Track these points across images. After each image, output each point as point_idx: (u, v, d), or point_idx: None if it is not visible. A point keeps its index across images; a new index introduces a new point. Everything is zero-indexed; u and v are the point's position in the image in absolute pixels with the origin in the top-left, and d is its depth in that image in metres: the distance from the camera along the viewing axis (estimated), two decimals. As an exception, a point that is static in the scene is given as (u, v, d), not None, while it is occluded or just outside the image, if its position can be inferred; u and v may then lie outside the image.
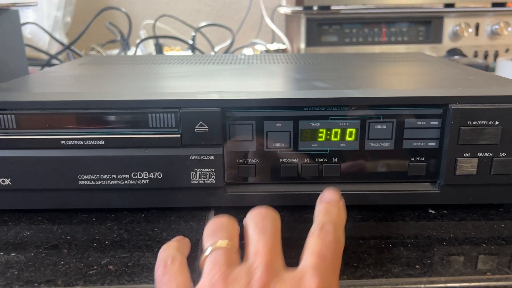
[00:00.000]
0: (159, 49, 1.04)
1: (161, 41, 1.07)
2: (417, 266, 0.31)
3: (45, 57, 1.01)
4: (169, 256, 0.29)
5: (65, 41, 1.10)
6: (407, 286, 0.29)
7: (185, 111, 0.35)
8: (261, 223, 0.29)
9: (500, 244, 0.34)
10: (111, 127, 0.36)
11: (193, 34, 1.09)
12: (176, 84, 0.42)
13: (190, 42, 1.05)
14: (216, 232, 0.29)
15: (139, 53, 1.05)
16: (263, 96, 0.36)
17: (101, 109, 0.35)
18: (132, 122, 0.36)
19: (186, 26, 1.18)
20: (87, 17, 1.29)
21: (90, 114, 0.35)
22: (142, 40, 0.99)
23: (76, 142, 0.36)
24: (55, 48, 1.09)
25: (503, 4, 0.97)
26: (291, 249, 0.29)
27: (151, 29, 1.14)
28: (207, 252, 0.28)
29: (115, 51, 1.10)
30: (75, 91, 0.39)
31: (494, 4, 0.98)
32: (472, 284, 0.30)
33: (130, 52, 1.08)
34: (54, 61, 0.97)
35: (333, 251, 0.27)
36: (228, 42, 1.14)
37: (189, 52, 1.09)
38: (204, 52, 1.06)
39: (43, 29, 0.95)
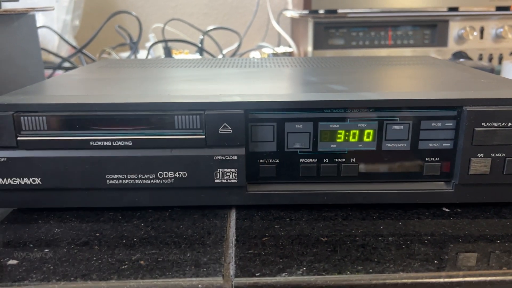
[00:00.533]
0: (168, 52, 1.06)
1: (169, 44, 1.09)
2: (435, 262, 0.32)
3: (55, 60, 1.03)
4: None
5: (74, 44, 1.11)
6: (427, 280, 0.31)
7: (210, 113, 0.37)
8: None
9: (514, 241, 0.35)
10: (138, 128, 0.37)
11: (201, 37, 1.11)
12: (198, 87, 0.44)
13: (199, 45, 1.07)
14: None
15: (148, 56, 1.07)
16: (284, 99, 0.37)
17: (128, 111, 0.37)
18: (159, 124, 0.37)
19: (193, 29, 1.19)
20: (95, 20, 1.31)
21: (118, 116, 0.37)
22: (154, 44, 1.01)
23: (105, 143, 0.37)
24: (63, 51, 1.11)
25: (507, 8, 0.99)
26: (310, 247, 0.30)
27: (160, 32, 1.16)
28: None
29: (123, 54, 1.12)
30: (102, 94, 0.40)
31: (498, 8, 0.99)
32: (489, 278, 0.31)
33: (139, 55, 1.09)
34: (65, 64, 0.98)
35: None
36: (235, 45, 1.15)
37: (197, 55, 1.10)
38: (212, 54, 1.08)
39: (56, 32, 0.96)
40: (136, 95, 0.39)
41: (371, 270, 0.31)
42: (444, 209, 0.40)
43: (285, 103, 0.37)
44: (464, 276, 0.31)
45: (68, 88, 0.45)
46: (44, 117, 0.37)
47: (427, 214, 0.39)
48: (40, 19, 1.12)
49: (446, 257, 0.33)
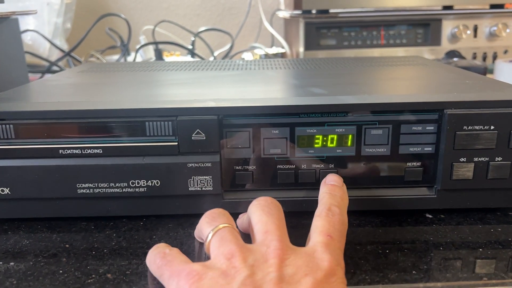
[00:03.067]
0: (158, 54, 1.05)
1: (160, 46, 1.08)
2: (413, 272, 0.31)
3: (45, 63, 1.02)
4: (164, 247, 0.30)
5: (66, 47, 1.10)
6: (403, 292, 0.30)
7: (182, 119, 0.36)
8: (267, 208, 0.31)
9: (497, 248, 0.34)
10: (109, 135, 0.36)
11: (193, 39, 1.10)
12: (173, 92, 0.43)
13: (189, 47, 1.05)
14: (213, 220, 0.31)
15: (139, 58, 1.06)
16: (260, 103, 0.36)
17: (98, 118, 0.36)
18: (130, 131, 0.36)
19: (185, 31, 1.18)
20: (87, 23, 1.29)
21: (88, 123, 0.36)
22: (141, 46, 1.00)
23: (75, 151, 0.36)
24: (55, 55, 1.10)
25: (501, 6, 0.97)
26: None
27: (151, 34, 1.15)
28: (209, 237, 0.29)
29: (115, 57, 1.11)
30: (74, 100, 0.39)
31: (492, 6, 0.98)
32: (469, 289, 0.30)
33: (130, 58, 1.08)
34: (54, 67, 0.97)
35: (339, 231, 0.30)
36: (227, 47, 1.14)
37: (189, 57, 1.09)
38: (203, 56, 1.07)
39: (44, 36, 0.95)
40: (108, 101, 0.38)
41: (346, 282, 0.30)
42: (427, 215, 0.39)
43: (260, 108, 0.36)
44: (442, 287, 0.30)
45: (41, 94, 0.44)
46: (11, 125, 0.36)
47: (409, 221, 0.38)
48: (31, 22, 1.11)
49: (425, 266, 0.32)
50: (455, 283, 0.30)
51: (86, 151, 0.36)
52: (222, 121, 0.37)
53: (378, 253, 0.34)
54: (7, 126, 0.36)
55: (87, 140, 0.36)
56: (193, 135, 0.36)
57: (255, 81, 0.49)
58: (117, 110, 0.36)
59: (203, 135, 0.36)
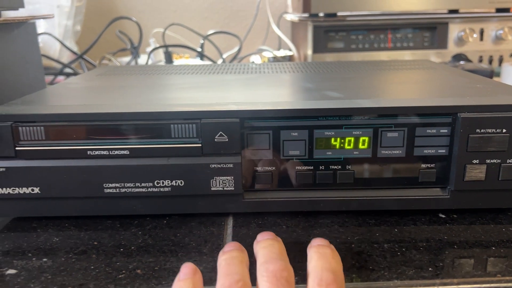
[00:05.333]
0: (168, 57, 1.06)
1: (170, 48, 1.09)
2: (430, 269, 0.33)
3: (56, 65, 1.04)
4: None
5: (76, 49, 1.12)
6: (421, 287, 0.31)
7: (206, 122, 0.37)
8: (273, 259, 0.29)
9: (509, 247, 0.35)
10: (135, 137, 0.37)
11: (202, 41, 1.11)
12: (195, 95, 0.44)
13: (199, 49, 1.07)
14: (229, 274, 0.28)
15: (149, 61, 1.07)
16: (280, 107, 0.38)
17: (125, 121, 0.37)
18: (155, 133, 0.37)
19: (194, 33, 1.20)
20: (96, 25, 1.31)
21: (115, 125, 0.37)
22: (154, 49, 1.01)
23: (102, 152, 0.38)
24: (65, 57, 1.12)
25: (507, 10, 0.99)
26: (306, 254, 0.30)
27: (160, 37, 1.16)
28: None
29: (124, 59, 1.12)
30: (99, 103, 0.41)
31: (498, 10, 0.99)
32: (483, 285, 0.31)
33: (140, 60, 1.10)
34: (65, 69, 0.99)
35: None
36: (235, 49, 1.16)
37: (198, 59, 1.11)
38: (212, 58, 1.08)
39: (57, 39, 0.97)
40: (133, 104, 0.40)
41: (366, 278, 0.32)
42: (440, 215, 0.41)
43: (280, 111, 0.38)
44: (458, 283, 0.31)
45: (66, 97, 0.45)
46: (42, 127, 0.37)
47: (423, 220, 0.40)
48: (42, 24, 1.13)
49: (441, 264, 0.33)
50: (470, 279, 0.31)
51: (114, 152, 0.38)
52: (244, 123, 0.38)
53: (394, 250, 0.35)
54: (38, 128, 0.37)
55: (114, 141, 0.37)
56: (216, 137, 0.37)
57: (270, 84, 0.50)
58: (143, 113, 0.37)
59: (226, 137, 0.37)
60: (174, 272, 0.32)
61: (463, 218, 0.40)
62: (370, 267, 0.33)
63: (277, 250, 0.30)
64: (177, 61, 1.09)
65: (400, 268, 0.33)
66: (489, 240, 0.37)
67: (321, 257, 0.29)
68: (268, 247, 0.31)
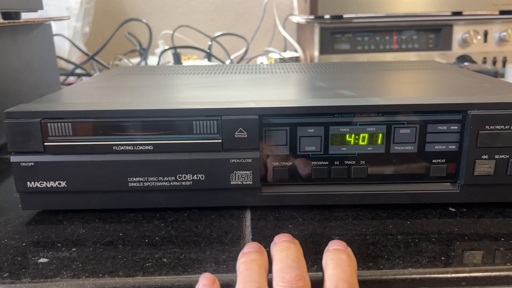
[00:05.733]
0: (177, 58, 1.08)
1: (178, 50, 1.11)
2: (442, 258, 0.34)
3: (66, 66, 1.06)
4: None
5: (86, 51, 1.14)
6: (434, 275, 0.33)
7: (226, 119, 0.39)
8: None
9: (517, 239, 0.37)
10: (159, 133, 0.39)
11: (210, 43, 1.13)
12: (213, 94, 0.46)
13: (208, 51, 1.09)
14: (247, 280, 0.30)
15: (159, 62, 1.09)
16: (297, 104, 0.39)
17: (149, 117, 0.39)
18: (178, 129, 0.39)
19: (200, 35, 1.22)
20: (104, 27, 1.33)
21: (140, 121, 0.39)
22: (164, 51, 1.03)
23: (127, 148, 0.39)
24: (74, 58, 1.14)
25: (510, 12, 1.00)
26: (322, 245, 0.32)
27: (169, 38, 1.18)
28: None
29: (133, 60, 1.14)
30: (123, 101, 0.42)
31: (502, 12, 1.01)
32: (494, 273, 0.33)
33: (149, 61, 1.12)
34: (77, 70, 1.00)
35: None
36: (242, 51, 1.18)
37: (206, 61, 1.12)
38: (221, 60, 1.10)
39: (70, 40, 0.99)
40: (156, 102, 0.41)
41: (381, 266, 0.33)
42: (450, 208, 0.42)
43: (298, 109, 0.39)
44: (470, 271, 0.33)
45: (89, 95, 0.47)
46: (69, 124, 0.39)
47: (434, 214, 0.41)
48: (52, 26, 1.15)
49: (452, 254, 0.35)
50: (481, 267, 0.33)
51: (138, 147, 0.39)
52: (262, 120, 0.40)
53: (408, 241, 0.37)
54: (66, 124, 0.39)
55: (138, 137, 0.39)
56: (236, 133, 0.39)
57: (283, 84, 0.52)
58: (166, 110, 0.39)
59: (245, 133, 0.39)
60: (199, 260, 0.34)
61: (473, 211, 0.41)
62: (386, 257, 0.34)
63: (294, 255, 0.32)
64: (185, 62, 1.10)
65: (414, 257, 0.34)
66: (498, 232, 0.38)
67: (337, 265, 0.31)
68: (284, 251, 0.32)
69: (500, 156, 0.39)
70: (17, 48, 0.59)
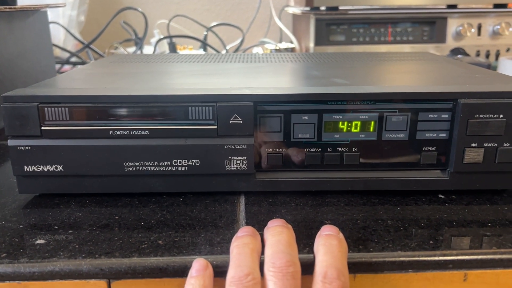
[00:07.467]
0: (172, 47, 1.08)
1: (173, 39, 1.11)
2: (430, 242, 0.35)
3: (61, 54, 1.05)
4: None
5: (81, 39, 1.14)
6: (423, 258, 0.33)
7: (221, 105, 0.39)
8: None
9: (504, 225, 0.38)
10: (155, 119, 0.40)
11: (205, 33, 1.13)
12: (209, 81, 0.46)
13: (203, 41, 1.09)
14: (241, 267, 0.30)
15: (152, 51, 1.09)
16: (291, 92, 0.40)
17: (146, 103, 0.39)
18: (174, 115, 0.40)
19: (196, 25, 1.22)
20: (100, 16, 1.33)
21: (136, 107, 0.39)
22: (160, 40, 1.03)
23: (123, 133, 0.40)
24: (69, 46, 1.13)
25: (504, 5, 1.01)
26: (315, 229, 0.32)
27: (164, 28, 1.18)
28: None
29: (129, 50, 1.14)
30: (119, 87, 0.43)
31: (496, 5, 1.02)
32: (480, 257, 0.34)
33: (144, 50, 1.12)
34: (72, 59, 1.00)
35: None
36: (238, 41, 1.18)
37: (201, 51, 1.13)
38: (216, 50, 1.10)
39: (65, 28, 0.99)
40: (152, 88, 0.42)
41: (371, 249, 0.34)
42: (440, 195, 0.43)
43: (292, 96, 0.40)
44: (457, 254, 0.34)
45: (86, 81, 0.48)
46: (66, 108, 0.39)
47: (424, 200, 0.42)
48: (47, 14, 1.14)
49: (441, 238, 0.36)
50: (468, 250, 0.34)
51: (134, 132, 0.40)
52: (257, 107, 0.40)
53: (398, 226, 0.38)
54: (63, 109, 0.39)
55: (134, 122, 0.40)
56: (231, 119, 0.40)
57: (279, 72, 0.53)
58: (163, 96, 0.39)
59: (240, 119, 0.40)
60: (194, 243, 0.35)
61: (461, 198, 0.43)
62: (376, 240, 0.35)
63: (286, 240, 0.32)
64: (181, 52, 1.11)
65: (403, 241, 0.35)
66: (485, 218, 0.39)
67: (327, 251, 0.31)
68: (277, 235, 0.33)
69: (489, 144, 0.40)
70: (13, 34, 0.59)
